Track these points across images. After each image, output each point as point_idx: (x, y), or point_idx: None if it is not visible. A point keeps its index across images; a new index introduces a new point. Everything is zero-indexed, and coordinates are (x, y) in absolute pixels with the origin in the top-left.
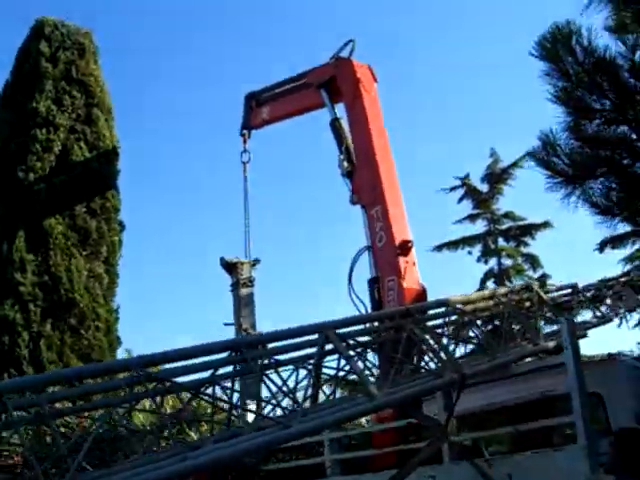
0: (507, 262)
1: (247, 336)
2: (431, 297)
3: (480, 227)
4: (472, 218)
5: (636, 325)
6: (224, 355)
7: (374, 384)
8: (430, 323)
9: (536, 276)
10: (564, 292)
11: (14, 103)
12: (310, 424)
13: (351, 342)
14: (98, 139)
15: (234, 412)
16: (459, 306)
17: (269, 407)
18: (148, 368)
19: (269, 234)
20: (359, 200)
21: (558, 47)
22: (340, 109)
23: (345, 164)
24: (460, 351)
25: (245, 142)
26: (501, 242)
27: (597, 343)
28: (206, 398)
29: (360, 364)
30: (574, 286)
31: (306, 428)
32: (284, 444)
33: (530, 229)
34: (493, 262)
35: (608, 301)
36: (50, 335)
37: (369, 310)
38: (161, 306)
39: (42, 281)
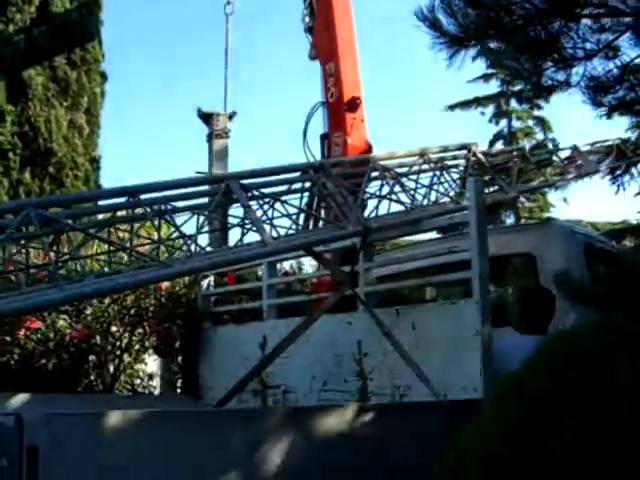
0: (517, 124)
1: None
2: None
3: (494, 88)
4: (486, 78)
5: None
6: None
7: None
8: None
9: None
10: (508, 155)
11: None
12: (188, 265)
13: (256, 193)
14: None
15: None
16: (384, 163)
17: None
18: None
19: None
20: (316, 55)
21: None
22: None
23: (307, 19)
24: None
25: None
26: (514, 104)
27: None
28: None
29: (259, 213)
30: (520, 149)
31: (185, 269)
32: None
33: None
34: (504, 124)
35: (552, 168)
36: (29, 182)
37: None
38: (142, 157)
39: (22, 131)
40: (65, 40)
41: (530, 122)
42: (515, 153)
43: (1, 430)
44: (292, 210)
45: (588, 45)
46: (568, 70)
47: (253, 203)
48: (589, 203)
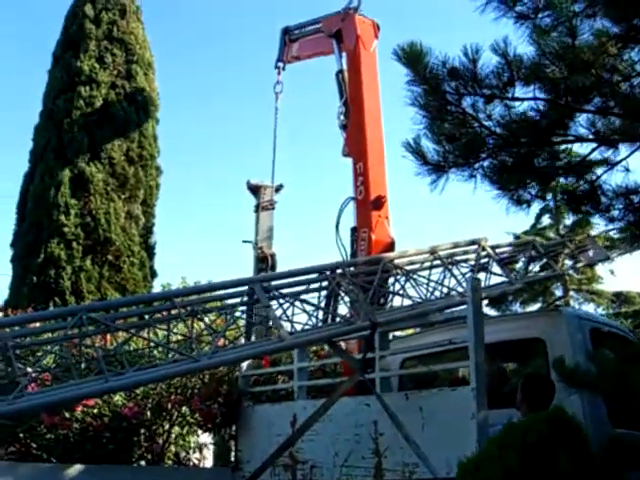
0: None
1: (184, 288)
2: None
3: None
4: None
5: None
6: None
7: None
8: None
9: None
10: (516, 248)
11: (63, 62)
12: (215, 360)
13: (275, 294)
14: (136, 93)
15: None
16: (396, 262)
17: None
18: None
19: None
20: (348, 153)
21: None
22: None
23: (342, 117)
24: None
25: (279, 74)
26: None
27: None
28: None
29: (278, 312)
30: (530, 241)
31: (211, 363)
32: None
33: None
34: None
35: (563, 256)
36: (89, 269)
37: (349, 255)
38: (197, 233)
39: (84, 222)
40: (124, 138)
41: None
42: (524, 245)
43: None
44: (310, 307)
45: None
46: (543, 186)
47: (274, 302)
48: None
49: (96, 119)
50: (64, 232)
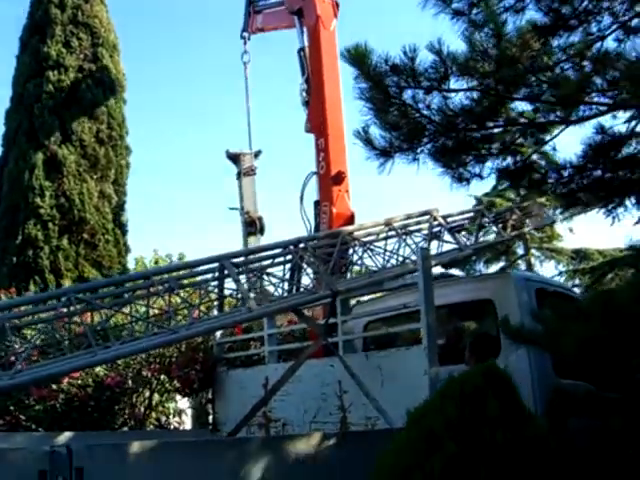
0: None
1: (159, 266)
2: None
3: None
4: None
5: None
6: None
7: (254, 300)
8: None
9: None
10: (466, 216)
11: (30, 47)
12: (192, 331)
13: (243, 268)
14: (103, 75)
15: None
16: (354, 234)
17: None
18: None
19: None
20: (310, 130)
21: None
22: None
23: (304, 94)
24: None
25: (245, 44)
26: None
27: None
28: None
29: (246, 286)
30: (479, 210)
31: (188, 334)
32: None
33: None
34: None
35: (510, 222)
36: (66, 248)
37: (313, 227)
38: (173, 207)
39: (58, 203)
40: (93, 120)
41: (535, 157)
42: (474, 214)
43: (58, 457)
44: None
45: (495, 145)
46: (481, 165)
47: (243, 277)
48: (598, 229)
49: (65, 102)
50: (40, 213)
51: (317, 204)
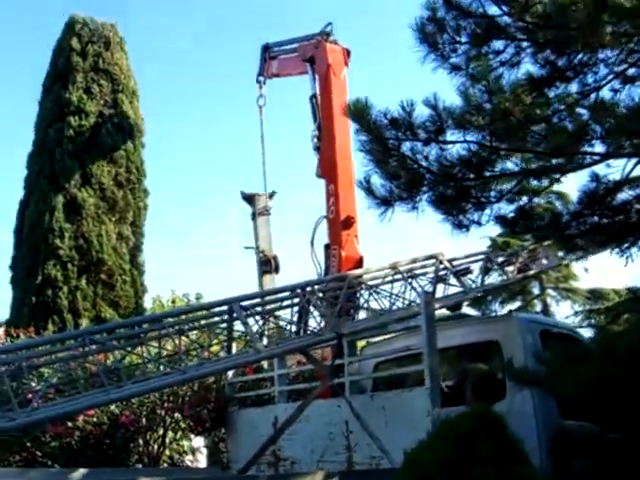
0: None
1: (171, 309)
2: None
3: None
4: None
5: None
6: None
7: (262, 342)
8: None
9: None
10: (472, 259)
11: (52, 94)
12: (200, 372)
13: (252, 311)
14: (122, 120)
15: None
16: (360, 278)
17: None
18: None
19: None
20: (321, 175)
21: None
22: None
23: (315, 140)
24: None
25: (261, 88)
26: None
27: None
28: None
29: (255, 328)
30: (485, 253)
31: (197, 375)
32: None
33: None
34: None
35: (516, 265)
36: (84, 288)
37: (323, 269)
38: (189, 246)
39: (77, 245)
40: (112, 164)
41: (536, 201)
42: (481, 257)
43: None
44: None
45: (492, 193)
46: (479, 212)
47: (251, 319)
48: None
49: (85, 146)
50: (59, 254)
51: (327, 247)
